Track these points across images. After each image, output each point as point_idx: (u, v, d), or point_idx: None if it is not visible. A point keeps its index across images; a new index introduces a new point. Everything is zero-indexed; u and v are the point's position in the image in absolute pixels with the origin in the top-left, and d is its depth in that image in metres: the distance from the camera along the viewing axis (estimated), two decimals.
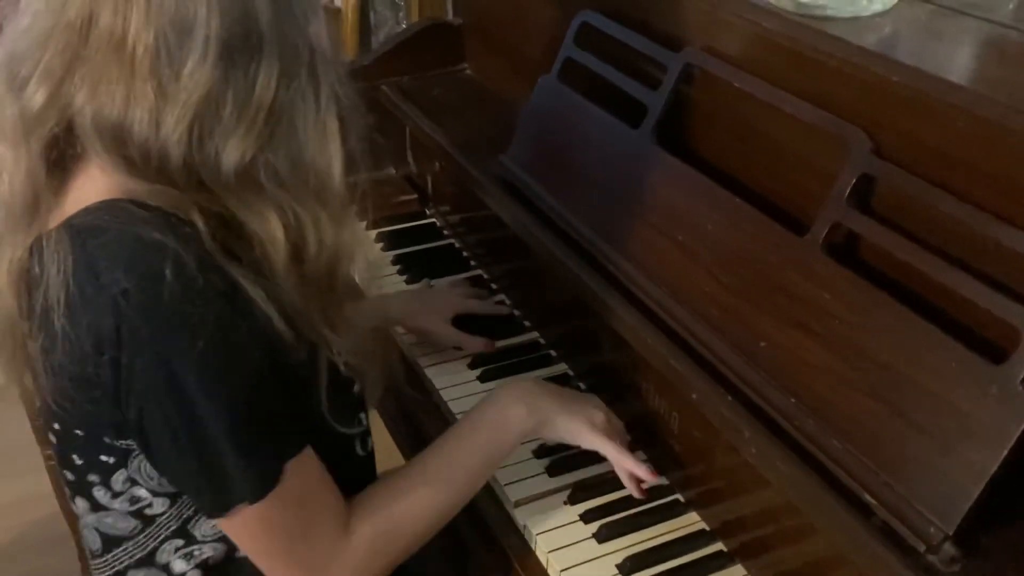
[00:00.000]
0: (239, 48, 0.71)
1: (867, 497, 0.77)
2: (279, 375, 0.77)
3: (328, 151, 0.77)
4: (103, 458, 0.81)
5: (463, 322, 1.25)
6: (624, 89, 1.13)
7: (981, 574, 0.72)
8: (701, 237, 0.98)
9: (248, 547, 0.83)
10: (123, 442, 0.79)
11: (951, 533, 0.72)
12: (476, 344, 1.23)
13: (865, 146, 0.86)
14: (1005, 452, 0.71)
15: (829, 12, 0.93)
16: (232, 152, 0.73)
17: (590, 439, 1.00)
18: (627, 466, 1.00)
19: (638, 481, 1.00)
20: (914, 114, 0.82)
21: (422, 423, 1.18)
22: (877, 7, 0.94)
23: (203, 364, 0.72)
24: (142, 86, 0.70)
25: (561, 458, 1.06)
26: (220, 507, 0.78)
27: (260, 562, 0.83)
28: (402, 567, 0.91)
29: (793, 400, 0.85)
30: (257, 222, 0.75)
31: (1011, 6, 0.94)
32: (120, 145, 0.72)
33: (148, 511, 0.84)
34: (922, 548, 0.73)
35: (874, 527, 0.76)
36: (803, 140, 0.93)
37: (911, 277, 0.83)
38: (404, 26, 2.21)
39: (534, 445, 1.07)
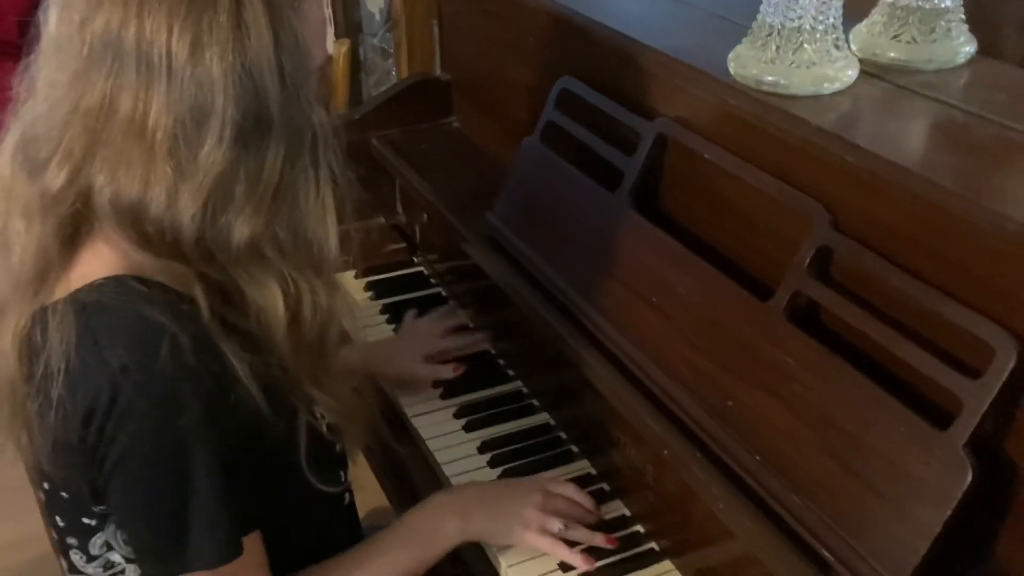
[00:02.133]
0: (251, 131, 0.77)
1: (825, 553, 0.83)
2: (256, 448, 0.82)
3: (326, 223, 0.84)
4: (85, 520, 0.86)
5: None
6: (602, 154, 1.19)
7: None
8: (673, 300, 1.04)
9: None
10: (100, 507, 0.84)
11: None
12: (445, 371, 1.29)
13: (824, 220, 0.92)
14: (949, 513, 0.76)
15: (791, 91, 0.99)
16: (243, 227, 0.78)
17: (522, 541, 1.02)
18: (562, 557, 1.02)
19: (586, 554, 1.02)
20: (868, 192, 0.88)
21: (409, 473, 1.22)
22: (836, 86, 1.00)
23: (186, 434, 0.77)
24: (162, 167, 0.75)
25: None
26: (170, 570, 0.81)
27: None
28: None
29: (758, 458, 0.90)
30: (259, 291, 0.81)
31: (961, 85, 1.01)
32: (136, 222, 0.77)
33: None
34: None
35: None
36: (768, 211, 0.99)
37: (866, 344, 0.89)
38: (393, 73, 2.28)
39: None
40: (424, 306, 1.49)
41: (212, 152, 0.75)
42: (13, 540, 1.88)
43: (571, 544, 1.03)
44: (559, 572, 1.02)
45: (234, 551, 0.82)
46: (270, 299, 0.81)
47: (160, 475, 0.78)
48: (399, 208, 1.66)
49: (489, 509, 1.03)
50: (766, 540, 0.86)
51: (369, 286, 1.55)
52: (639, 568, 1.04)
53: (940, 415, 0.80)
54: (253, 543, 0.85)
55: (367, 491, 1.64)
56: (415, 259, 1.62)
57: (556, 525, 1.03)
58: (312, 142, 0.82)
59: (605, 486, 1.15)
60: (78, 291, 0.80)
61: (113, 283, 0.79)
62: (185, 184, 0.76)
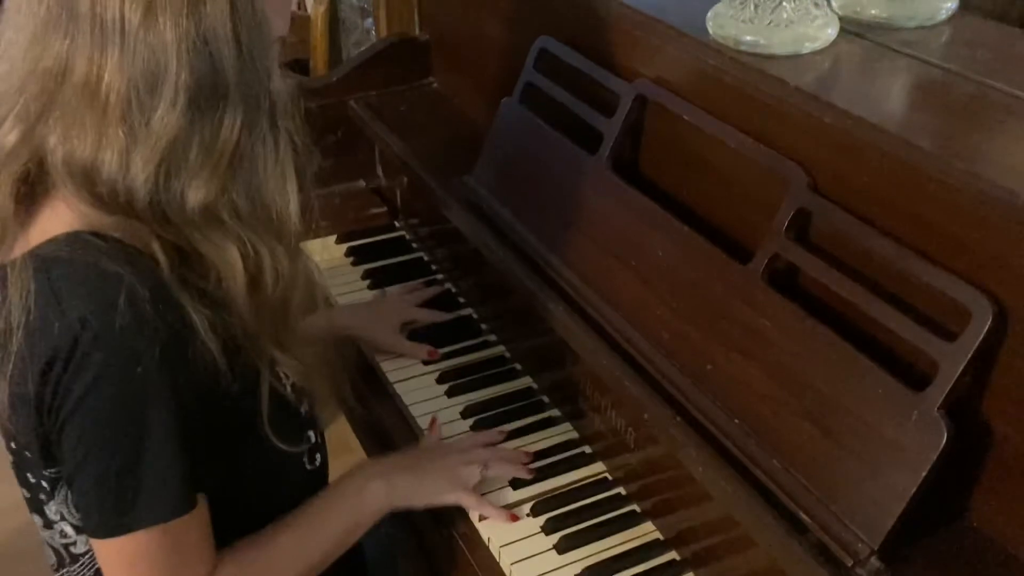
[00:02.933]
0: (206, 98, 0.77)
1: (802, 515, 0.83)
2: (212, 404, 0.82)
3: (285, 190, 0.83)
4: (44, 484, 0.86)
5: (433, 330, 1.32)
6: (581, 115, 1.18)
7: None
8: (652, 263, 1.04)
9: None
10: (51, 470, 0.84)
11: (876, 548, 0.78)
12: (419, 352, 1.29)
13: (802, 182, 0.91)
14: (924, 474, 0.77)
15: (770, 50, 0.98)
16: (196, 192, 0.78)
17: (448, 498, 1.05)
18: (485, 512, 1.06)
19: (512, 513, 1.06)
20: (845, 154, 0.87)
21: (392, 439, 1.22)
22: (816, 45, 0.99)
23: (142, 385, 0.76)
24: (114, 131, 0.75)
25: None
26: (112, 529, 0.80)
27: None
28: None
29: (736, 422, 0.91)
30: (216, 253, 0.80)
31: (942, 43, 1.00)
32: (89, 183, 0.77)
33: (72, 550, 0.89)
34: (850, 562, 0.79)
35: (809, 543, 0.82)
36: (747, 172, 0.99)
37: (843, 307, 0.89)
38: (372, 33, 2.25)
39: None
40: (405, 271, 1.49)
41: (165, 117, 0.75)
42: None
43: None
44: (553, 553, 1.02)
45: (186, 506, 0.82)
46: (228, 262, 0.81)
47: (113, 426, 0.78)
48: (379, 172, 1.64)
49: (412, 472, 1.05)
50: (744, 502, 0.86)
51: (350, 251, 1.54)
52: (621, 529, 1.05)
53: (917, 378, 0.80)
54: (200, 505, 0.84)
55: (355, 453, 1.65)
56: (396, 223, 1.61)
57: (477, 472, 1.06)
58: (270, 110, 0.81)
59: (587, 449, 1.15)
60: (37, 247, 0.80)
61: (71, 238, 0.79)
62: (138, 148, 0.75)
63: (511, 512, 1.06)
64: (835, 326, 0.87)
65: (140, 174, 0.76)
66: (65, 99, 0.75)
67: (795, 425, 0.87)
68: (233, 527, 0.89)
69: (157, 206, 0.78)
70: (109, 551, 0.83)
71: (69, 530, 0.89)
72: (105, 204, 0.78)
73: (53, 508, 0.88)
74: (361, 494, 1.01)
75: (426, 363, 1.29)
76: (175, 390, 0.78)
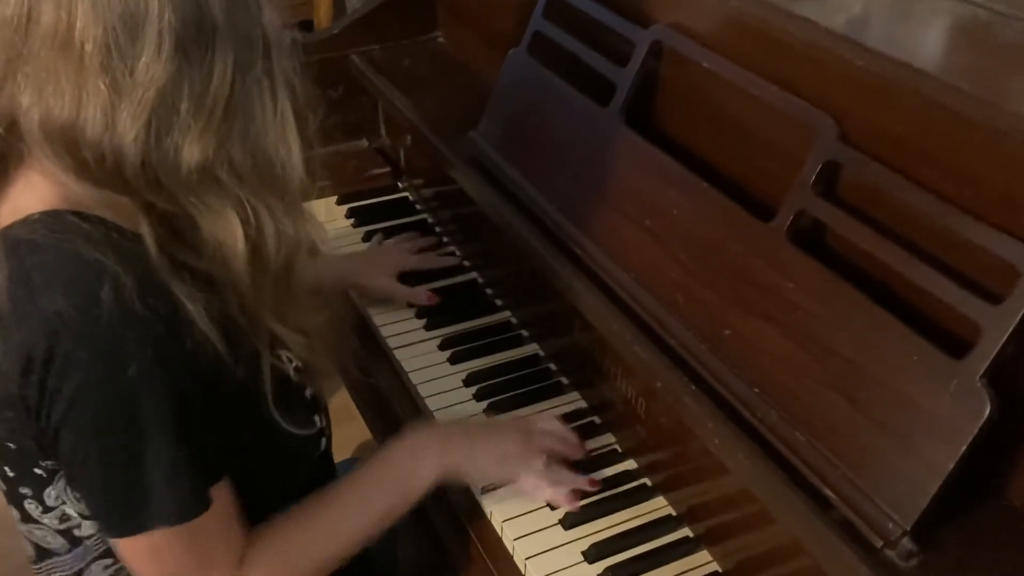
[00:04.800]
0: (193, 40, 0.69)
1: (826, 491, 0.77)
2: (216, 393, 0.76)
3: (287, 140, 0.76)
4: (36, 471, 0.80)
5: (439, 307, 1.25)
6: (592, 65, 1.11)
7: (938, 569, 0.72)
8: (667, 222, 0.97)
9: (139, 572, 0.80)
10: (48, 462, 0.78)
11: (909, 529, 0.72)
12: (418, 296, 1.24)
13: (832, 132, 0.84)
14: (963, 449, 0.70)
15: None
16: (192, 148, 0.71)
17: (504, 479, 0.98)
18: (545, 498, 0.98)
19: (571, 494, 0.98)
20: (879, 100, 0.80)
21: (392, 407, 1.17)
22: None
23: (135, 387, 0.70)
24: (94, 84, 0.67)
25: None
26: (128, 529, 0.76)
27: None
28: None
29: (756, 391, 0.84)
30: (214, 221, 0.74)
31: None
32: (71, 147, 0.69)
33: (76, 532, 0.83)
34: (880, 543, 0.73)
35: (833, 521, 0.75)
36: (770, 124, 0.91)
37: (875, 267, 0.82)
38: None
39: None
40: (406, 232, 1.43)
41: (151, 65, 0.67)
42: None
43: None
44: (558, 528, 0.96)
45: (200, 505, 0.76)
46: (227, 230, 0.74)
47: (110, 431, 0.72)
48: (382, 130, 1.57)
49: (470, 445, 0.97)
50: (763, 476, 0.80)
51: (351, 212, 1.48)
52: (631, 504, 0.99)
53: (956, 344, 0.74)
54: (222, 492, 0.79)
55: (355, 423, 1.60)
56: (400, 184, 1.54)
57: (539, 463, 0.97)
58: (264, 50, 0.73)
59: (596, 419, 1.09)
60: (9, 227, 0.73)
61: (48, 219, 0.72)
62: (123, 102, 0.68)
63: (571, 495, 0.97)
64: (865, 288, 0.80)
65: (128, 132, 0.68)
66: (33, 52, 0.67)
67: (820, 395, 0.80)
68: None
69: (150, 169, 0.70)
70: (128, 549, 0.78)
71: (72, 512, 0.83)
72: (91, 172, 0.70)
73: (53, 494, 0.81)
74: (413, 468, 0.93)
75: (420, 316, 1.24)
76: (173, 387, 0.72)
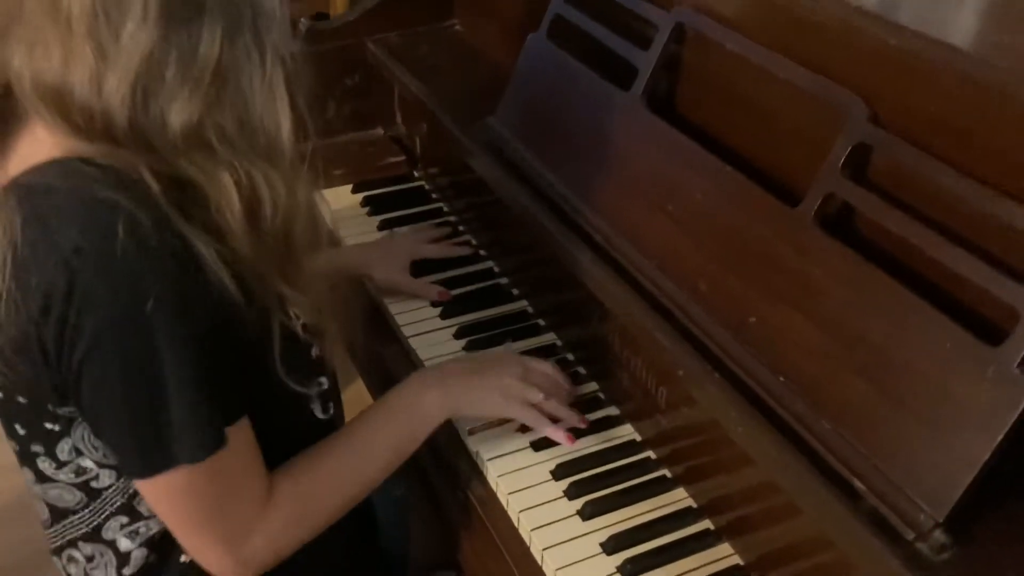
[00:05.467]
0: (180, 7, 0.70)
1: (856, 482, 0.75)
2: (229, 336, 0.76)
3: (276, 110, 0.76)
4: (48, 426, 0.79)
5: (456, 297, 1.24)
6: (613, 49, 1.08)
7: (972, 562, 0.70)
8: (690, 207, 0.95)
9: (166, 513, 0.81)
10: (66, 409, 0.78)
11: (941, 520, 0.70)
12: (430, 292, 1.23)
13: (862, 114, 0.82)
14: (1000, 438, 0.68)
15: None
16: (178, 113, 0.71)
17: (503, 409, 1.00)
18: (543, 431, 1.00)
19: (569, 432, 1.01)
20: (914, 80, 0.78)
21: None
22: None
23: (154, 322, 0.70)
24: (80, 48, 0.68)
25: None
26: (153, 467, 0.76)
27: (177, 529, 0.82)
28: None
29: (782, 379, 0.82)
30: (208, 182, 0.73)
31: None
32: (62, 108, 0.70)
33: (94, 484, 0.83)
34: (911, 536, 0.71)
35: (862, 512, 0.73)
36: (798, 107, 0.89)
37: (907, 253, 0.79)
38: None
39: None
40: (424, 222, 1.41)
41: (136, 31, 0.68)
42: None
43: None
44: (576, 519, 0.95)
45: (217, 441, 0.76)
46: (222, 190, 0.74)
47: (132, 367, 0.72)
48: (398, 118, 1.55)
49: (469, 380, 0.99)
50: (789, 467, 0.78)
51: (366, 201, 1.46)
52: (649, 496, 0.97)
53: (992, 330, 0.71)
54: (241, 432, 0.79)
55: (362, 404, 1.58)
56: (415, 173, 1.52)
57: (537, 395, 0.99)
58: (253, 18, 0.73)
59: (614, 410, 1.07)
60: (19, 176, 0.73)
61: (58, 165, 0.72)
62: (109, 66, 0.68)
63: (569, 434, 1.00)
64: (895, 274, 0.78)
65: (115, 96, 0.69)
66: (26, 13, 0.69)
67: (848, 383, 0.78)
68: None
69: (139, 132, 0.71)
70: (155, 489, 0.78)
71: (89, 463, 0.82)
72: (83, 132, 0.71)
73: (67, 446, 0.81)
74: (418, 400, 0.95)
75: (435, 305, 1.22)
76: (191, 323, 0.72)
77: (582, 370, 1.12)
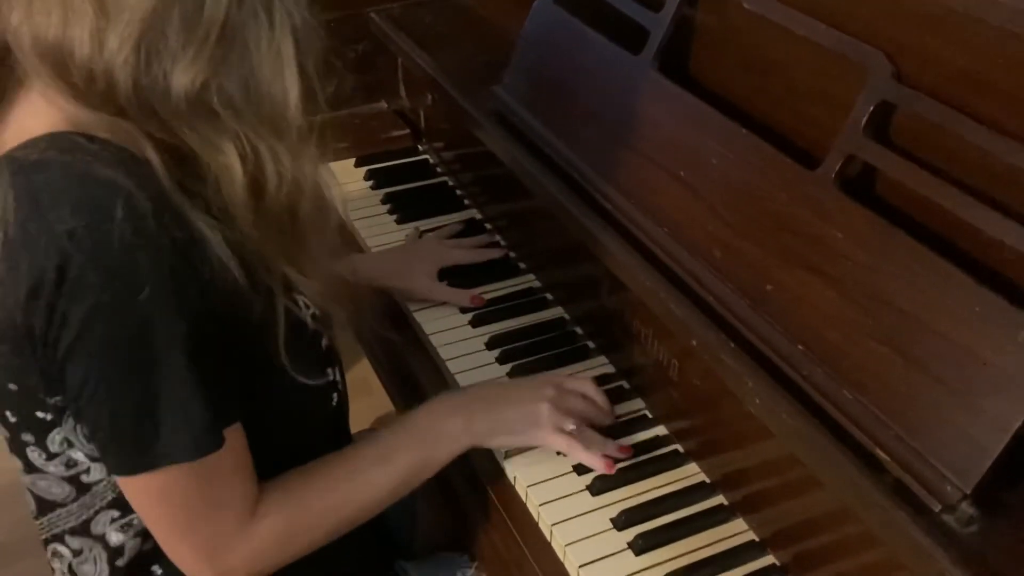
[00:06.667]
0: None
1: (879, 452, 0.72)
2: (233, 329, 0.72)
3: (283, 77, 0.72)
4: (39, 415, 0.76)
5: (454, 269, 1.19)
6: (624, 11, 1.05)
7: (1000, 536, 0.67)
8: (704, 172, 0.91)
9: (147, 514, 0.77)
10: (56, 398, 0.74)
11: (969, 492, 0.67)
12: (461, 298, 1.15)
13: (885, 70, 0.78)
14: None
15: None
16: (181, 76, 0.67)
17: (532, 438, 0.93)
18: (579, 458, 0.93)
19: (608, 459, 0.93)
20: (941, 34, 0.74)
21: (413, 374, 1.12)
22: None
23: (148, 313, 0.66)
24: (80, 5, 0.65)
25: None
26: (137, 465, 0.72)
27: (157, 533, 0.78)
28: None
29: (801, 347, 0.79)
30: (211, 153, 0.70)
31: None
32: (62, 68, 0.66)
33: (84, 478, 0.79)
34: (937, 507, 0.68)
35: (886, 484, 0.70)
36: (816, 65, 0.86)
37: (932, 214, 0.76)
38: None
39: None
40: (429, 196, 1.38)
41: None
42: None
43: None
44: (586, 494, 0.91)
45: (213, 442, 0.72)
46: (225, 162, 0.70)
47: (121, 360, 0.68)
48: (402, 91, 1.52)
49: (496, 407, 0.92)
50: (808, 438, 0.75)
51: (369, 175, 1.43)
52: (661, 471, 0.94)
53: (1021, 294, 0.68)
54: (235, 436, 0.75)
55: (374, 396, 1.55)
56: (419, 147, 1.49)
57: (570, 424, 0.92)
58: None
59: (625, 384, 1.04)
60: (13, 150, 0.69)
61: (54, 139, 0.68)
62: (110, 24, 0.65)
63: (608, 460, 0.92)
64: (922, 237, 0.74)
65: (117, 56, 0.65)
66: None
67: (871, 350, 0.75)
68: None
69: (141, 95, 0.67)
70: (136, 488, 0.74)
71: (80, 456, 0.79)
72: (83, 95, 0.67)
73: (58, 437, 0.77)
74: (436, 428, 0.89)
75: (441, 275, 1.17)
76: (189, 315, 0.68)
77: (591, 343, 1.09)
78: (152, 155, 0.69)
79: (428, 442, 0.88)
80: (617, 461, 0.94)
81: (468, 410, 0.91)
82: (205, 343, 0.70)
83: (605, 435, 0.95)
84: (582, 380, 0.98)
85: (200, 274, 0.69)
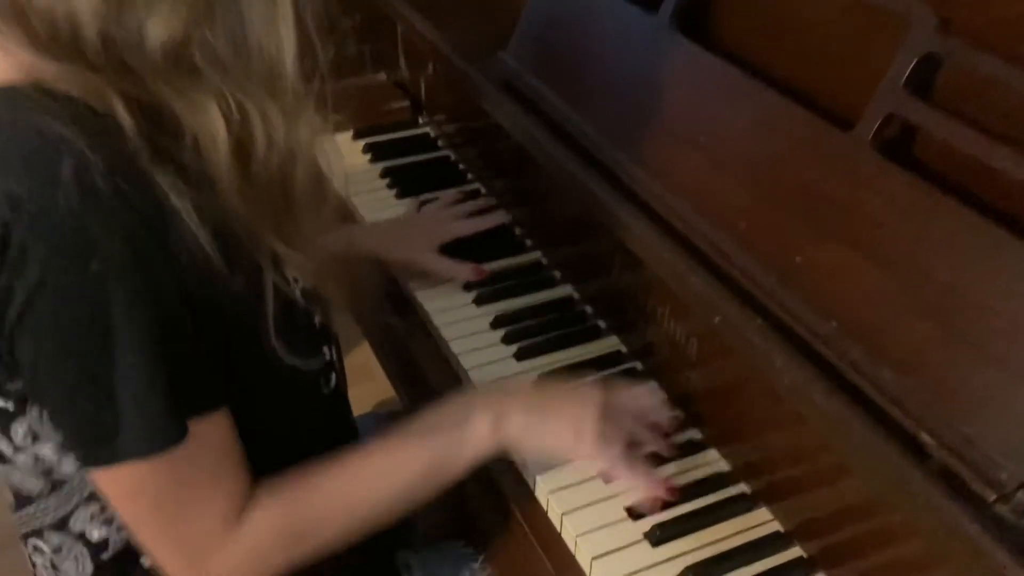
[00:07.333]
0: None
1: (923, 436, 0.66)
2: (206, 307, 0.65)
3: (278, 32, 0.65)
4: (0, 404, 0.69)
5: (457, 243, 1.12)
6: None
7: None
8: (727, 138, 0.85)
9: (120, 511, 0.70)
10: (17, 384, 0.67)
11: None
12: (464, 271, 1.09)
13: (929, 22, 0.72)
14: None
15: None
16: (158, 26, 0.60)
17: (572, 450, 0.84)
18: (631, 482, 0.83)
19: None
20: None
21: (413, 356, 1.06)
22: None
23: (100, 288, 0.59)
24: None
25: None
26: (97, 458, 0.65)
27: (134, 531, 0.71)
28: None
29: (835, 324, 0.73)
30: (191, 112, 0.63)
31: None
32: (19, 13, 0.59)
33: (55, 474, 0.73)
34: (991, 497, 0.62)
35: (931, 471, 0.64)
36: (849, 20, 0.80)
37: (980, 177, 0.70)
38: None
39: None
40: (429, 170, 1.32)
41: None
42: None
43: None
44: (601, 485, 0.84)
45: (172, 435, 0.65)
46: (207, 123, 0.63)
47: (72, 338, 0.61)
48: (401, 62, 1.45)
49: (535, 410, 0.82)
50: (844, 422, 0.69)
51: (367, 148, 1.37)
52: (678, 459, 0.88)
53: None
54: (212, 426, 0.68)
55: (374, 382, 1.50)
56: (420, 119, 1.43)
57: (617, 448, 0.82)
58: None
59: (638, 365, 0.98)
60: None
61: (5, 93, 0.62)
62: None
63: (669, 483, 0.83)
64: (969, 203, 0.68)
65: (84, 3, 0.59)
66: None
67: (913, 326, 0.69)
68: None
69: (111, 48, 0.60)
70: (104, 482, 0.68)
71: (46, 452, 0.72)
72: (45, 46, 0.60)
73: (21, 431, 0.71)
74: (466, 422, 0.79)
75: (468, 288, 1.09)
76: (150, 292, 0.61)
77: (601, 323, 1.03)
78: (122, 114, 0.61)
79: (452, 438, 0.79)
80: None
81: (501, 407, 0.81)
82: (172, 324, 0.63)
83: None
84: (644, 393, 0.89)
85: (166, 245, 0.62)
